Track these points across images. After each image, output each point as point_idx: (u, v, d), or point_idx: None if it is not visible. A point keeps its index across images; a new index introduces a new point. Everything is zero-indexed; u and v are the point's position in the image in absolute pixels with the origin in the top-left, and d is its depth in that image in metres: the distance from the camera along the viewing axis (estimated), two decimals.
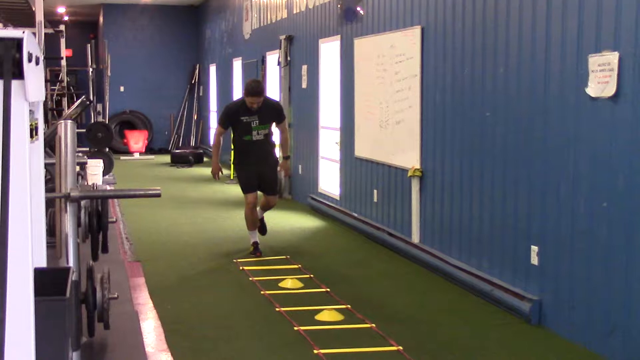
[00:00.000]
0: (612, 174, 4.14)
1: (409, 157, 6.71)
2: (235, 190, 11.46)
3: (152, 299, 5.39)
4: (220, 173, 6.87)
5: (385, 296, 5.57)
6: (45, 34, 10.60)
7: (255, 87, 6.57)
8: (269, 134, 6.77)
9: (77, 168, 4.28)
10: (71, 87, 16.55)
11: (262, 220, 7.13)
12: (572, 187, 4.48)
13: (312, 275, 6.02)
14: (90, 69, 14.78)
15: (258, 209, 6.96)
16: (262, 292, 5.55)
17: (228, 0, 14.88)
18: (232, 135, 7.05)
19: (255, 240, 6.89)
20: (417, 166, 6.54)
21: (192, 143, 18.23)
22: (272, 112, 6.76)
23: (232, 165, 12.82)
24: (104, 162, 10.07)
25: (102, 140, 10.92)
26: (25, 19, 13.35)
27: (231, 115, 6.70)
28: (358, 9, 7.90)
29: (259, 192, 6.85)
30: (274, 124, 6.82)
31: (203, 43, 18.02)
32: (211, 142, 7.39)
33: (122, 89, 17.87)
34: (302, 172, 10.06)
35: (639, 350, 3.97)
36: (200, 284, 5.92)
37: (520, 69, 4.98)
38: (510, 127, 5.13)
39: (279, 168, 7.05)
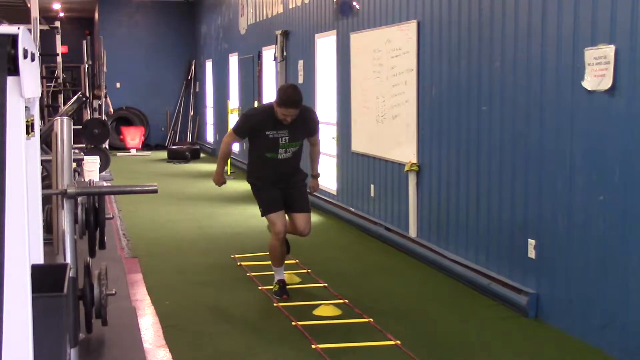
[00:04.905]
0: (609, 167, 4.14)
1: (405, 152, 6.71)
2: (232, 185, 11.45)
3: (149, 295, 5.40)
4: (224, 183, 5.51)
5: (383, 291, 5.58)
6: (40, 30, 10.55)
7: (294, 96, 5.01)
8: (299, 151, 5.29)
9: (74, 165, 4.27)
10: (67, 84, 16.52)
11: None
12: (568, 181, 4.48)
13: (309, 270, 6.03)
14: (86, 65, 14.76)
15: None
16: (259, 288, 5.55)
17: None
18: (248, 146, 5.47)
19: (281, 278, 5.38)
20: (414, 161, 6.54)
21: (189, 139, 18.22)
22: (306, 125, 5.25)
23: (228, 168, 12.80)
24: (100, 159, 10.06)
25: (98, 137, 10.91)
26: (20, 15, 13.31)
27: (254, 127, 5.16)
28: (354, 3, 7.90)
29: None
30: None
31: (199, 39, 17.99)
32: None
33: (118, 85, 17.83)
34: None
35: (635, 343, 3.98)
36: (198, 279, 5.92)
37: (517, 63, 4.98)
38: (507, 120, 5.13)
39: (309, 188, 5.59)
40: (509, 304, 4.99)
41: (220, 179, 5.46)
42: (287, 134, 5.10)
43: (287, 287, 5.40)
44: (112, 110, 16.41)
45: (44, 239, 2.55)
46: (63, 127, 3.78)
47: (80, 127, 10.73)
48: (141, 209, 9.10)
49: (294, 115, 5.02)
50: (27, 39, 1.95)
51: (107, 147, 15.75)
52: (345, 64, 8.16)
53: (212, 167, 14.02)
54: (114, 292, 4.00)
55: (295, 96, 5.00)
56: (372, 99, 7.42)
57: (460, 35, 5.75)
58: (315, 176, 5.64)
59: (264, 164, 5.23)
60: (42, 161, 3.72)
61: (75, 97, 10.08)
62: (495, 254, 5.33)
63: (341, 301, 5.18)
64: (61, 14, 19.96)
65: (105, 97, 15.92)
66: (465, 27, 5.66)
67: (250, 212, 8.96)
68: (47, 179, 5.21)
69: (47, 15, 17.82)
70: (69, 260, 3.67)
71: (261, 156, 5.21)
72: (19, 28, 1.88)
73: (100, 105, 14.69)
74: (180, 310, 5.09)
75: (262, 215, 5.32)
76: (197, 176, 12.79)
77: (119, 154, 16.28)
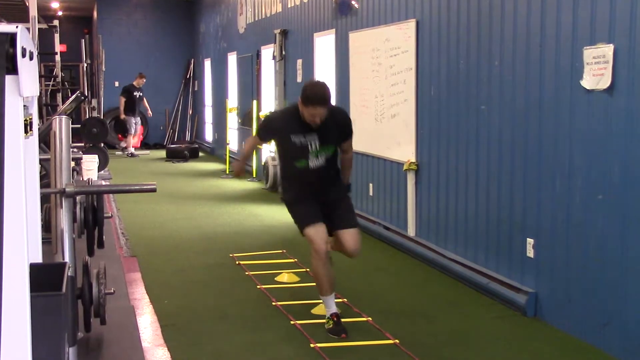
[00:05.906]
0: (607, 166, 4.14)
1: (404, 151, 6.71)
2: (231, 185, 11.45)
3: (148, 294, 5.39)
4: (240, 173, 5.05)
5: (382, 290, 5.58)
6: (39, 29, 10.55)
7: (322, 92, 4.34)
8: (334, 158, 4.60)
9: (72, 163, 4.27)
10: (66, 83, 16.51)
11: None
12: (567, 180, 4.48)
13: (308, 270, 6.02)
14: (85, 64, 14.76)
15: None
16: (258, 287, 5.55)
17: None
18: (277, 154, 4.92)
19: (333, 312, 4.55)
20: (413, 160, 6.54)
21: (187, 138, 18.21)
22: (339, 128, 4.58)
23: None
24: (99, 158, 10.05)
25: (97, 136, 10.91)
26: (19, 14, 13.30)
27: (275, 131, 4.59)
28: (353, 2, 7.89)
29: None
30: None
31: (198, 37, 17.98)
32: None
33: (116, 84, 17.81)
34: None
35: (634, 342, 3.98)
36: (196, 278, 5.92)
37: (515, 62, 4.98)
38: (506, 120, 5.13)
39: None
40: (508, 303, 4.99)
41: (238, 167, 4.97)
42: (316, 138, 4.44)
43: (287, 286, 5.37)
44: (150, 112, 16.66)
45: (43, 238, 2.55)
46: (62, 126, 3.78)
47: (79, 125, 10.73)
48: (140, 208, 9.09)
49: (322, 115, 4.36)
50: (25, 37, 1.94)
51: (132, 150, 15.87)
52: (344, 63, 8.16)
53: (211, 166, 14.07)
54: (112, 291, 4.00)
55: (324, 92, 4.34)
56: (371, 98, 7.42)
57: (459, 34, 5.75)
58: (346, 189, 4.84)
59: (296, 176, 4.60)
60: (41, 160, 3.71)
61: (74, 96, 10.08)
62: (494, 253, 5.33)
63: (340, 300, 5.17)
64: (60, 13, 19.95)
65: (142, 98, 15.97)
66: (465, 26, 5.66)
67: (249, 211, 8.96)
68: (45, 178, 5.21)
69: (45, 14, 17.81)
70: (67, 259, 3.67)
71: (291, 167, 4.58)
72: (17, 27, 1.88)
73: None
74: (179, 309, 5.09)
75: (301, 232, 4.58)
76: (196, 175, 12.78)
77: (117, 153, 16.26)
